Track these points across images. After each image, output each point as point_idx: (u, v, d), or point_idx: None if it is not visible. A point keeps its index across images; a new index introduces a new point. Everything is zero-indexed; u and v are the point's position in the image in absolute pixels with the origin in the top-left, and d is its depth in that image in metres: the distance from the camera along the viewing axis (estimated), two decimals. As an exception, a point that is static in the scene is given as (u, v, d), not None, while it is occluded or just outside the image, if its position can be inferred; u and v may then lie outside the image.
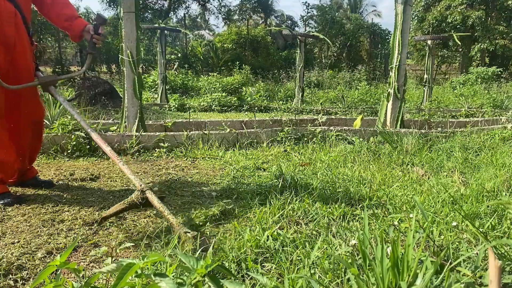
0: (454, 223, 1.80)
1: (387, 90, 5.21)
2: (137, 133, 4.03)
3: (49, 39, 15.53)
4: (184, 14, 24.01)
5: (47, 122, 4.25)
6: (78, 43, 18.90)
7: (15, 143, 2.52)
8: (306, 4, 26.59)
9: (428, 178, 2.94)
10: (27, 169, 2.70)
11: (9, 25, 2.33)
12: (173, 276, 1.24)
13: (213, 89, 10.01)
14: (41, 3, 2.55)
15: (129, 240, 1.91)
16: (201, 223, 2.12)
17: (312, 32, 14.96)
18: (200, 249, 1.63)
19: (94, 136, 2.43)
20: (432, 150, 3.90)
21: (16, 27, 2.38)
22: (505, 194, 2.46)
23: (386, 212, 2.20)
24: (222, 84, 10.50)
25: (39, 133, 2.72)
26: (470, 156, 3.62)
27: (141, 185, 2.07)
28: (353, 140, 4.35)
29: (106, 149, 2.35)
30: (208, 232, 2.01)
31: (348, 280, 1.37)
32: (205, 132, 4.27)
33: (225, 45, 18.23)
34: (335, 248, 1.68)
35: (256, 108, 7.95)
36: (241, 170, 3.24)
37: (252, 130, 4.55)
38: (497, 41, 17.58)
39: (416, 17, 20.09)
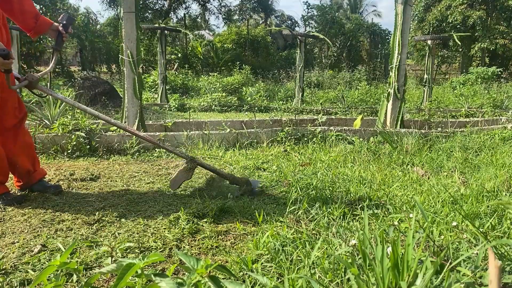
0: (454, 223, 1.80)
1: (387, 90, 5.21)
2: (137, 133, 4.03)
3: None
4: (184, 14, 23.96)
5: (47, 122, 4.25)
6: (78, 43, 18.92)
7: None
8: (307, 3, 26.57)
9: (428, 178, 2.94)
10: (33, 171, 2.58)
11: (3, 27, 2.37)
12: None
13: (213, 89, 10.01)
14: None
15: (130, 240, 1.91)
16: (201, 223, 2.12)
17: (312, 32, 14.96)
18: None
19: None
20: (432, 150, 3.90)
21: (5, 28, 2.40)
22: (505, 194, 2.46)
23: (386, 212, 2.20)
24: (222, 84, 10.50)
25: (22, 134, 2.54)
26: (470, 156, 3.62)
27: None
28: (353, 140, 4.35)
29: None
30: (208, 232, 2.01)
31: (348, 280, 1.37)
32: (205, 132, 4.27)
33: (225, 45, 18.23)
34: (335, 248, 1.68)
35: (256, 108, 7.95)
36: (241, 170, 3.24)
37: (252, 130, 4.55)
38: (497, 40, 17.56)
39: (416, 17, 20.07)
